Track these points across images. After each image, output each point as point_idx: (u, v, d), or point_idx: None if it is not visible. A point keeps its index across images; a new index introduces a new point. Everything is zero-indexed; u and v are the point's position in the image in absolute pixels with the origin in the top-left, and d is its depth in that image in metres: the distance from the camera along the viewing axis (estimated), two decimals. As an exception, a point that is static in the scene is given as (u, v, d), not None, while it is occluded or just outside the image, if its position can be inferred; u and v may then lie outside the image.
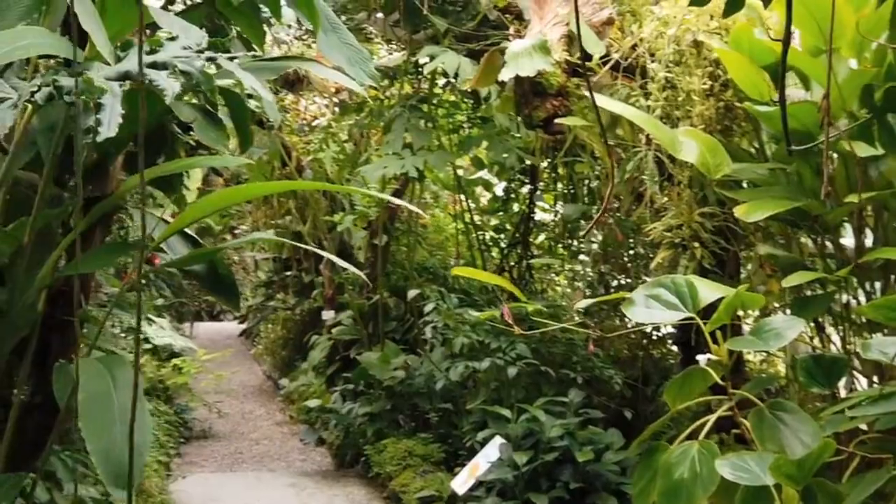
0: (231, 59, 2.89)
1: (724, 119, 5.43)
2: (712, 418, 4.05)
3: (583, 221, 8.40)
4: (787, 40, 2.32)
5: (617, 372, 7.33)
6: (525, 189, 9.82)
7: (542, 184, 9.70)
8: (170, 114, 4.21)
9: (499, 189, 10.22)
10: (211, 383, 11.85)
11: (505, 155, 8.02)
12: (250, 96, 4.81)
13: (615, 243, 7.49)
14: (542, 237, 9.99)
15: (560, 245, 8.91)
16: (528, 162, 8.49)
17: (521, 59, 5.94)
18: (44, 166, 3.86)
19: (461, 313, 7.50)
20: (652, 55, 5.61)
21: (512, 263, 9.48)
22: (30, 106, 3.07)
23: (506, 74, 5.89)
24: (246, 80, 3.30)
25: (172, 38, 3.06)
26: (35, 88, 2.69)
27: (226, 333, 18.06)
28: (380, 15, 9.13)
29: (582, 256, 9.01)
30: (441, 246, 11.79)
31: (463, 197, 9.45)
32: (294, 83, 11.30)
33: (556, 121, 5.99)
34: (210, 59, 2.80)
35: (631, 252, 7.91)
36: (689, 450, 3.78)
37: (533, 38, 6.13)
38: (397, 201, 4.47)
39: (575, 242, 8.63)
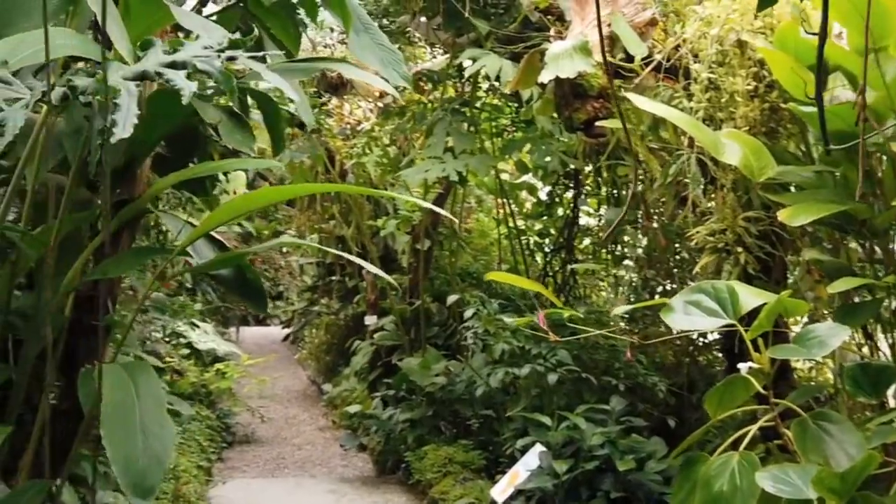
0: (253, 58, 2.80)
1: (770, 121, 5.28)
2: (753, 429, 3.94)
3: (628, 226, 8.29)
4: (823, 35, 2.21)
5: (661, 379, 7.19)
6: (570, 193, 9.71)
7: (587, 188, 9.59)
8: (198, 116, 4.17)
9: (543, 193, 10.12)
10: (254, 388, 11.83)
11: (548, 158, 7.91)
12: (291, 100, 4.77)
13: (660, 248, 7.35)
14: (586, 241, 9.87)
15: (604, 250, 8.78)
16: (571, 166, 8.38)
17: (562, 60, 5.84)
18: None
19: (502, 319, 7.40)
20: (695, 56, 5.49)
21: (556, 269, 9.36)
22: (52, 108, 3.01)
23: (545, 76, 5.79)
24: (272, 80, 3.23)
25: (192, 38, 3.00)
26: (46, 88, 2.63)
27: (271, 338, 18.07)
28: (423, 19, 9.06)
29: (627, 262, 8.89)
30: (485, 251, 11.69)
31: (506, 201, 9.33)
32: (338, 87, 11.25)
33: (597, 123, 5.89)
34: (230, 59, 2.73)
35: (676, 257, 7.77)
36: (730, 461, 3.68)
37: (573, 39, 6.02)
38: (432, 207, 4.36)
39: (619, 247, 8.49)
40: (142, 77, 2.68)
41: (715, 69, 5.31)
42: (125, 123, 2.50)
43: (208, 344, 10.88)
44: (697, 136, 4.90)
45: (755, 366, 3.93)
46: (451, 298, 8.52)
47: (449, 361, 8.45)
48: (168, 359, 10.13)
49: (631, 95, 5.11)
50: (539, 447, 6.44)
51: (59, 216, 3.44)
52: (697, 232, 5.54)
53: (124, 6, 3.22)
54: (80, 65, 3.74)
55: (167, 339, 10.52)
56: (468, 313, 7.80)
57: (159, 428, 3.05)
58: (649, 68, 5.80)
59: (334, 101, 11.73)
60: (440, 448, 7.91)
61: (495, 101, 9.41)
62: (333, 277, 13.39)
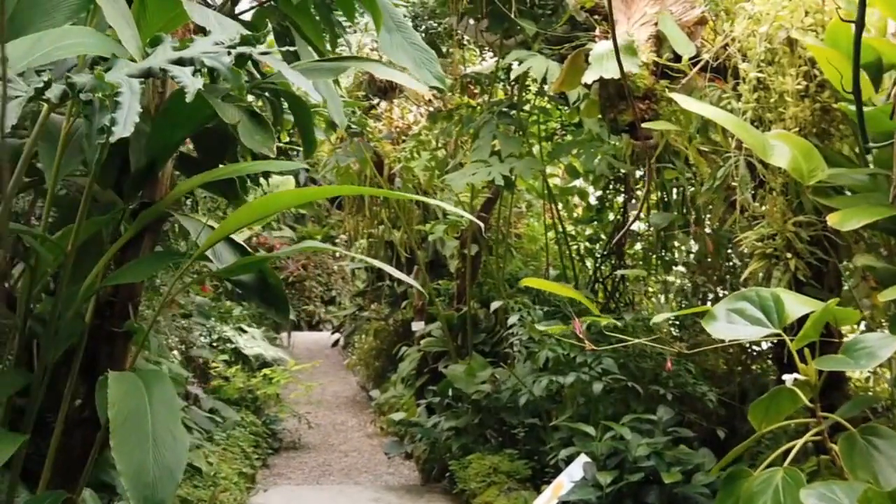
0: (264, 54, 2.69)
1: (821, 122, 5.08)
2: (799, 443, 3.76)
3: (679, 231, 8.10)
4: (860, 24, 2.05)
5: (711, 388, 6.99)
6: (621, 198, 9.52)
7: (638, 192, 9.39)
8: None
9: (594, 198, 9.95)
10: (302, 394, 11.77)
11: (595, 162, 7.75)
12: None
13: (708, 253, 7.15)
14: (638, 246, 9.66)
15: (654, 255, 8.57)
16: (622, 170, 8.21)
17: (606, 60, 5.68)
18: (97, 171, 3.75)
19: (547, 325, 7.24)
20: (744, 55, 5.31)
21: (605, 274, 9.17)
22: (53, 106, 2.92)
23: (589, 77, 5.64)
24: (292, 78, 3.12)
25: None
26: (41, 85, 2.54)
27: (323, 343, 18.03)
28: (472, 21, 8.94)
29: (679, 267, 8.68)
30: (536, 256, 11.53)
31: (554, 206, 9.17)
32: (386, 91, 11.21)
33: (643, 125, 5.72)
34: (241, 56, 2.61)
35: (728, 263, 7.56)
36: (773, 477, 3.51)
37: (619, 39, 5.86)
38: (468, 215, 4.22)
39: (670, 253, 8.28)
40: (147, 74, 2.58)
41: (764, 68, 5.12)
42: (126, 122, 2.39)
43: (255, 349, 10.81)
44: (744, 137, 4.72)
45: (801, 377, 3.75)
46: (495, 304, 8.37)
47: (495, 368, 8.29)
48: (214, 364, 10.10)
49: (675, 96, 4.94)
50: (584, 458, 6.27)
51: (77, 219, 3.35)
52: (746, 237, 5.37)
53: (140, 4, 3.13)
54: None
55: (214, 345, 10.48)
56: (512, 320, 7.65)
57: (172, 439, 2.95)
58: (696, 68, 5.63)
59: (383, 104, 11.68)
60: (485, 457, 7.76)
61: (544, 104, 9.24)
62: (384, 283, 13.28)
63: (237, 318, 11.23)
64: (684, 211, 7.76)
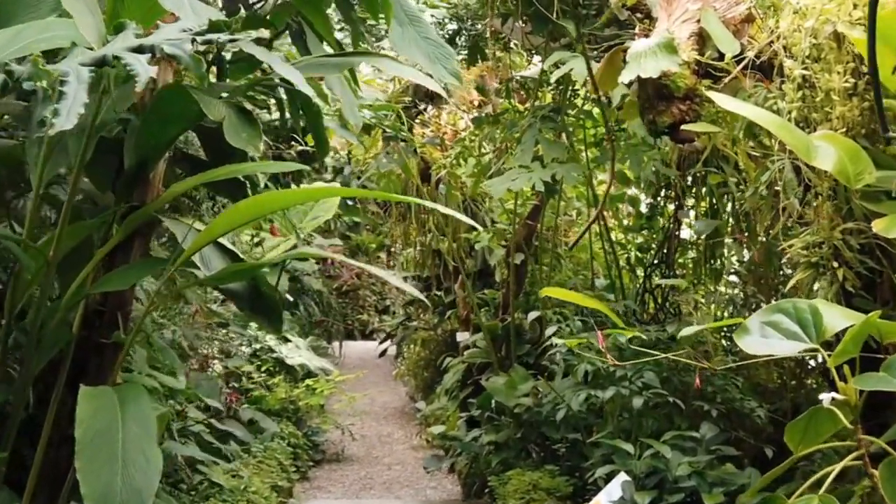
0: (233, 41, 2.47)
1: (871, 122, 4.75)
2: (836, 469, 3.47)
3: (729, 239, 7.79)
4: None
5: (761, 404, 6.67)
6: (673, 205, 9.19)
7: (690, 198, 9.05)
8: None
9: (645, 205, 9.63)
10: (346, 405, 11.59)
11: (642, 167, 7.46)
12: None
13: (756, 262, 6.83)
14: (690, 254, 9.31)
15: (703, 265, 8.24)
16: (671, 175, 7.90)
17: (644, 59, 5.41)
18: (93, 172, 3.57)
19: (587, 337, 6.94)
20: (789, 52, 5.00)
21: (655, 284, 8.86)
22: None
23: (626, 76, 5.38)
24: (280, 69, 2.92)
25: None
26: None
27: (375, 353, 17.84)
28: (520, 23, 8.69)
29: (731, 277, 8.35)
30: (587, 265, 11.21)
31: (598, 213, 8.86)
32: (433, 96, 10.97)
33: (683, 127, 5.44)
34: (209, 42, 2.40)
35: (780, 272, 7.22)
36: (807, 506, 3.23)
37: (658, 37, 5.58)
38: (464, 219, 3.97)
39: (719, 262, 7.95)
40: (101, 63, 2.39)
41: (809, 65, 4.81)
42: (69, 113, 2.20)
43: (298, 359, 10.63)
44: (786, 138, 4.42)
45: (839, 397, 3.45)
46: (532, 315, 8.09)
47: (537, 381, 7.99)
48: (254, 375, 9.94)
49: (713, 94, 4.66)
50: (623, 476, 5.99)
51: (59, 224, 3.16)
52: (791, 245, 5.07)
53: (118, -7, 2.94)
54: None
55: (256, 354, 10.32)
56: (549, 331, 7.39)
57: (144, 460, 2.74)
58: (740, 66, 5.34)
59: (431, 110, 11.47)
60: (525, 473, 7.48)
61: (591, 108, 8.95)
62: (435, 292, 13.04)
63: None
64: (733, 218, 7.45)
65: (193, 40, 2.43)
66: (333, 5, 4.39)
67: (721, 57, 5.44)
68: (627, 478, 5.92)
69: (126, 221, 3.39)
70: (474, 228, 9.28)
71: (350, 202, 17.35)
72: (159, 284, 3.47)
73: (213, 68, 4.37)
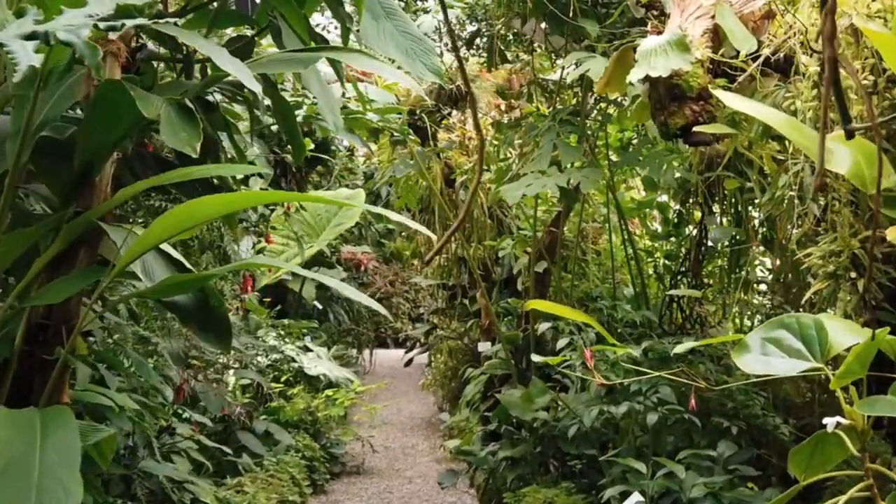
0: (140, 27, 2.23)
1: (892, 122, 4.43)
2: (842, 500, 3.15)
3: (757, 247, 7.46)
4: None
5: (786, 420, 6.34)
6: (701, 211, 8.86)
7: (718, 205, 8.72)
8: (205, 117, 3.65)
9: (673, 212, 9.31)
10: (366, 416, 11.35)
11: (662, 172, 7.15)
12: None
13: (778, 271, 6.52)
14: (719, 263, 8.98)
15: (728, 273, 7.91)
16: (694, 180, 7.58)
17: (654, 57, 5.13)
18: (47, 176, 3.35)
19: (602, 350, 6.63)
20: (806, 48, 4.69)
21: (668, 293, 8.55)
22: None
23: (635, 75, 5.10)
24: (225, 65, 2.67)
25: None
26: None
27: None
28: (543, 24, 8.42)
29: (759, 286, 8.02)
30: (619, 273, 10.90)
31: (623, 220, 8.57)
32: (457, 100, 10.72)
33: (695, 129, 5.14)
34: (113, 29, 2.16)
35: (808, 283, 6.88)
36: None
37: (670, 34, 5.30)
38: (402, 219, 3.68)
39: (744, 271, 7.62)
40: (-23, 50, 2.14)
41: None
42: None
43: (318, 369, 10.39)
44: (798, 139, 4.11)
45: (844, 421, 3.15)
46: (543, 326, 7.78)
47: (558, 394, 7.69)
48: (273, 385, 9.73)
49: (720, 93, 4.37)
50: (637, 496, 5.68)
51: (-7, 231, 2.94)
52: (809, 254, 4.76)
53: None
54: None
55: (276, 363, 10.11)
56: (561, 343, 7.09)
57: (62, 492, 2.49)
58: (756, 64, 5.04)
59: (455, 114, 11.22)
60: (540, 490, 7.18)
61: (612, 111, 8.65)
62: (461, 300, 12.78)
63: (296, 335, 10.82)
64: (760, 225, 7.14)
65: (96, 26, 2.20)
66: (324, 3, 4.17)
67: (738, 55, 5.16)
68: (641, 498, 5.62)
69: (65, 229, 3.16)
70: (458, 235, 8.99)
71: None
72: (94, 298, 3.24)
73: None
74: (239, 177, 7.26)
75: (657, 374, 4.37)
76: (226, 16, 4.26)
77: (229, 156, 4.46)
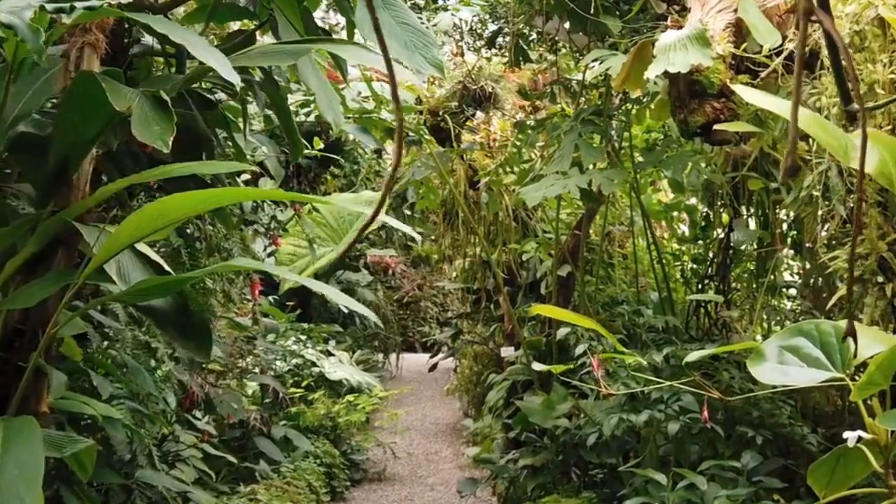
0: (91, 9, 2.07)
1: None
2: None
3: (786, 250, 7.23)
4: None
5: (814, 429, 6.12)
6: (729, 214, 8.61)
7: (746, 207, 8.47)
8: (200, 113, 3.50)
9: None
10: (393, 421, 11.19)
11: (685, 173, 6.95)
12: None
13: (818, 275, 6.29)
14: (748, 266, 8.72)
15: (758, 277, 7.66)
16: (718, 181, 7.36)
17: (673, 52, 4.93)
18: (28, 174, 3.21)
19: (622, 357, 6.42)
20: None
21: (690, 298, 8.33)
22: None
23: (652, 72, 4.90)
24: (197, 51, 2.50)
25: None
26: None
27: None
28: (568, 24, 8.22)
29: (788, 290, 7.78)
30: (643, 276, 10.67)
31: (648, 223, 8.34)
32: (482, 101, 10.53)
33: (716, 127, 4.94)
34: (60, 11, 2.01)
35: (839, 287, 6.64)
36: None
37: (690, 28, 5.10)
38: (388, 219, 3.49)
39: (772, 275, 7.37)
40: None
41: (853, 54, 4.30)
42: None
43: (340, 373, 10.23)
44: (821, 136, 3.89)
45: (866, 435, 2.95)
46: (562, 332, 7.57)
47: (578, 400, 7.48)
48: (293, 390, 9.58)
49: (738, 87, 4.16)
50: (657, 509, 5.49)
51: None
52: (835, 257, 4.56)
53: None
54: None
55: (297, 368, 9.97)
56: (579, 349, 6.89)
57: (23, 508, 2.33)
58: (779, 59, 4.84)
59: (480, 115, 11.03)
60: (561, 500, 6.99)
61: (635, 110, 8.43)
62: (485, 304, 12.57)
63: (317, 339, 10.67)
64: (784, 228, 6.91)
65: (43, 8, 2.04)
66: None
67: (761, 51, 4.96)
68: (660, 511, 5.43)
69: (39, 229, 3.02)
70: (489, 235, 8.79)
71: (409, 213, 17.06)
72: (64, 301, 3.08)
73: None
74: (246, 177, 7.14)
75: (669, 383, 4.16)
76: (225, 10, 4.11)
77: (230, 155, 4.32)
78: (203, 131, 3.78)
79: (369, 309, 13.80)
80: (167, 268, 3.20)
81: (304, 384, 9.99)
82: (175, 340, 3.37)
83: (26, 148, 3.17)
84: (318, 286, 3.31)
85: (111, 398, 4.38)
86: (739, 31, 5.15)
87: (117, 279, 3.01)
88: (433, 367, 13.93)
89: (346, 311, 14.65)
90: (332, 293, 3.21)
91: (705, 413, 4.61)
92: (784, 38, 4.97)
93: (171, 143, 2.74)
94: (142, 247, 3.19)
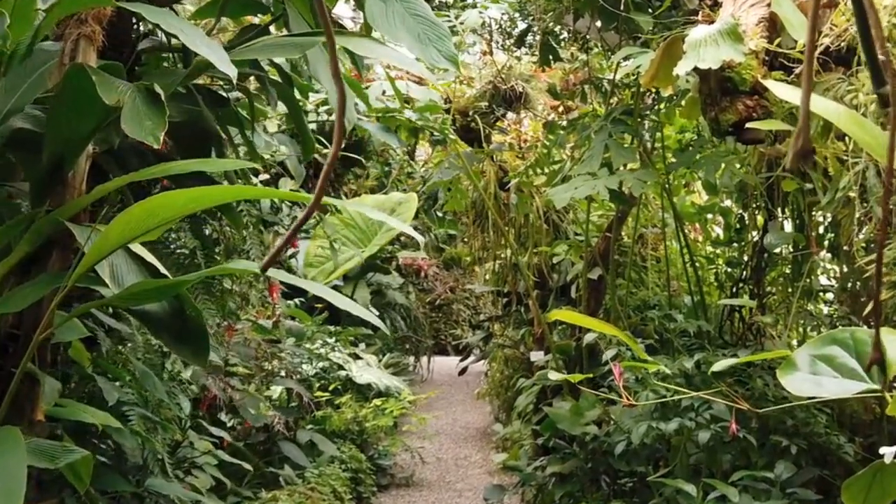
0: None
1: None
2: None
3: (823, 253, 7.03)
4: None
5: (851, 439, 5.92)
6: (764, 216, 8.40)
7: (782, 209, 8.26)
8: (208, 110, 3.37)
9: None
10: (421, 425, 11.05)
11: (718, 174, 6.75)
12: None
13: (842, 279, 6.09)
14: (784, 270, 8.50)
15: (794, 281, 7.45)
16: (752, 183, 7.16)
17: (703, 47, 4.74)
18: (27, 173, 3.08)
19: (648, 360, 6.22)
20: (868, 35, 4.29)
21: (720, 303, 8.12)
22: None
23: (682, 68, 4.72)
24: (192, 41, 2.38)
25: None
26: None
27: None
28: (599, 23, 8.04)
29: (827, 295, 7.57)
30: (676, 280, 10.46)
31: (680, 225, 8.15)
32: (512, 101, 10.39)
33: (748, 125, 4.75)
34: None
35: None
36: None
37: (721, 23, 4.91)
38: (401, 225, 3.33)
39: (808, 279, 7.16)
40: None
41: (889, 49, 4.11)
42: None
43: (367, 377, 10.08)
44: (857, 134, 3.70)
45: (905, 452, 2.76)
46: (590, 336, 7.39)
47: (604, 407, 7.30)
48: (319, 393, 9.46)
49: (771, 83, 3.99)
50: (687, 521, 5.31)
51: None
52: (873, 261, 4.37)
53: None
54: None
55: (323, 371, 9.84)
56: (607, 355, 6.71)
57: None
58: (815, 54, 4.64)
59: (510, 116, 10.88)
60: (589, 509, 6.83)
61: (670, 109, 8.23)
62: (515, 308, 12.40)
63: (344, 342, 10.53)
64: (821, 230, 6.71)
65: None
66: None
67: (796, 46, 4.78)
68: (690, 523, 5.25)
69: (31, 230, 2.89)
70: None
71: (441, 215, 16.93)
72: (53, 305, 2.95)
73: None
74: (264, 177, 7.01)
75: (697, 394, 3.99)
76: (237, 4, 3.99)
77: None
78: (212, 128, 3.66)
79: (401, 312, 13.70)
80: (163, 270, 3.06)
81: (330, 388, 9.86)
82: (170, 346, 3.23)
83: (23, 144, 3.05)
84: (318, 289, 3.16)
85: (120, 404, 4.27)
86: (773, 25, 4.96)
87: (110, 282, 2.87)
88: (463, 371, 13.79)
89: (376, 313, 14.51)
90: (333, 297, 3.07)
91: (733, 426, 4.42)
92: (819, 32, 4.79)
93: (161, 138, 2.61)
94: (137, 248, 3.06)
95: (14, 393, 2.90)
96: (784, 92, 3.75)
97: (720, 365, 3.45)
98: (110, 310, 4.25)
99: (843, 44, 4.62)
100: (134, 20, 3.74)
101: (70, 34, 2.96)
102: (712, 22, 5.13)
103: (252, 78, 4.07)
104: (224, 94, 4.16)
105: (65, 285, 2.83)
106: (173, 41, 3.87)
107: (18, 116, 3.02)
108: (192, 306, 3.04)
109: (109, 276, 2.87)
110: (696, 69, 4.68)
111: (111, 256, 2.87)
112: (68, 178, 3.08)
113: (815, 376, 2.94)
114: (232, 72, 2.64)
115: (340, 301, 3.12)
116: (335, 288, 11.98)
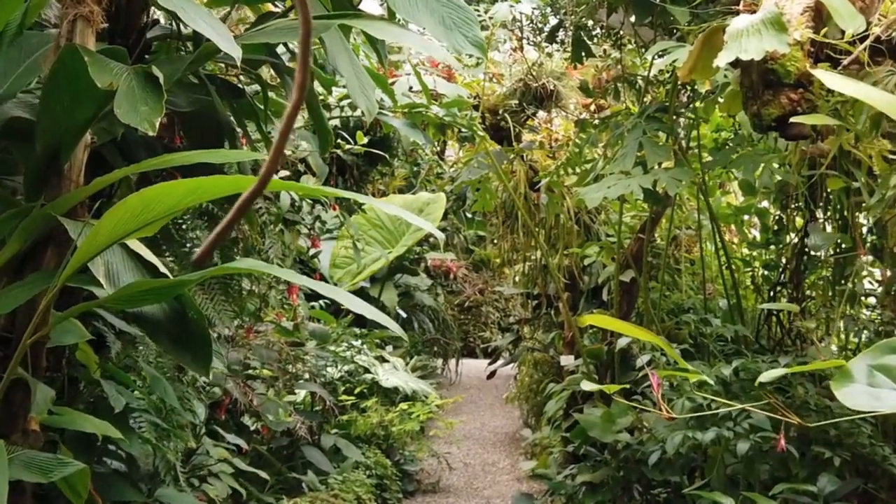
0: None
1: None
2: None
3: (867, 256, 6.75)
4: None
5: (894, 450, 5.65)
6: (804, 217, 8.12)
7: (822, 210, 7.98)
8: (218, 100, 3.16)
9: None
10: (448, 430, 10.83)
11: (757, 173, 6.50)
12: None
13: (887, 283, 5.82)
14: (824, 273, 8.22)
15: (835, 285, 7.17)
16: (793, 182, 6.89)
17: (746, 38, 4.50)
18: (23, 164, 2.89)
19: (688, 368, 5.98)
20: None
21: (758, 307, 7.86)
22: None
23: (722, 59, 4.47)
24: (194, 20, 2.17)
25: None
26: None
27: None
28: (633, 18, 7.80)
29: (869, 299, 7.30)
30: (711, 283, 10.19)
31: (716, 226, 7.88)
32: (543, 99, 10.16)
33: (793, 119, 4.50)
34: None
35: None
36: None
37: (764, 12, 4.66)
38: (423, 223, 3.08)
39: (852, 282, 6.89)
40: None
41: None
42: None
43: (393, 381, 9.87)
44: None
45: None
46: (623, 341, 7.14)
47: (637, 415, 7.05)
48: (344, 397, 9.26)
49: (819, 73, 3.75)
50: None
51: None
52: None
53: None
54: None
55: (349, 374, 9.64)
56: (641, 361, 6.46)
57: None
58: (863, 45, 4.39)
59: (541, 114, 10.65)
60: (619, 522, 6.58)
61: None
62: (545, 311, 12.15)
63: (371, 345, 10.31)
64: (865, 232, 6.44)
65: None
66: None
67: (843, 37, 4.52)
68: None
69: (22, 225, 2.69)
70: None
71: (470, 216, 16.69)
72: (42, 306, 2.74)
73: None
74: (285, 172, 6.81)
75: (740, 406, 3.75)
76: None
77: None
78: (225, 120, 3.46)
79: (429, 314, 13.47)
80: (163, 270, 2.85)
81: (356, 391, 9.65)
82: (168, 351, 3.03)
83: (19, 134, 2.86)
84: (328, 290, 2.95)
85: (130, 411, 4.08)
86: (819, 15, 4.70)
87: (104, 281, 2.66)
88: (491, 375, 13.55)
89: (403, 315, 14.34)
90: (345, 299, 2.86)
91: (781, 441, 4.17)
92: (868, 23, 4.53)
93: (157, 125, 2.40)
94: (137, 245, 2.86)
95: (4, 401, 2.71)
96: (834, 82, 3.50)
97: (768, 375, 3.19)
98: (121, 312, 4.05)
99: (893, 34, 4.36)
100: (143, 5, 3.55)
101: (66, 14, 2.76)
102: (754, 11, 4.87)
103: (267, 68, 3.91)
104: (240, 86, 3.96)
105: (55, 285, 2.63)
106: (184, 30, 3.68)
107: (12, 103, 2.84)
108: (195, 309, 2.82)
109: (104, 275, 2.66)
110: (737, 60, 4.44)
111: (107, 254, 2.67)
112: (65, 169, 2.88)
113: (873, 389, 2.69)
114: (236, 52, 2.43)
115: (354, 304, 2.91)
116: (361, 290, 11.81)
